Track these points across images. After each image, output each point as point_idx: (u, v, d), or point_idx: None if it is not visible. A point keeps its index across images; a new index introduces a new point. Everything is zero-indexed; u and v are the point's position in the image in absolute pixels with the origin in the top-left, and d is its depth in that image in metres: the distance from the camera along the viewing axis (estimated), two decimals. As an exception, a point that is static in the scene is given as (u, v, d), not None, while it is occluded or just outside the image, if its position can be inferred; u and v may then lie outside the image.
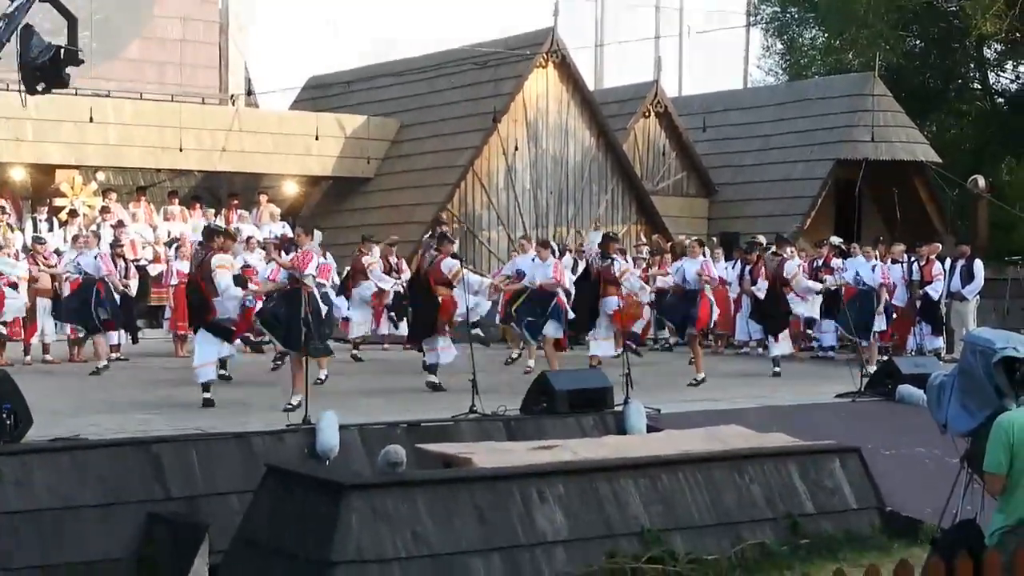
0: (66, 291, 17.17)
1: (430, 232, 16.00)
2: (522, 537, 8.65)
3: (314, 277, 13.35)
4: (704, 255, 17.69)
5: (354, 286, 18.92)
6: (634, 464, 9.60)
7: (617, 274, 15.71)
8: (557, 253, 17.38)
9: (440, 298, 14.58)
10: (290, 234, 19.38)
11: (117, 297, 17.06)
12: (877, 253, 18.53)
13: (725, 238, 24.61)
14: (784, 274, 17.03)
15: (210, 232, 13.77)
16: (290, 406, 11.52)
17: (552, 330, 15.87)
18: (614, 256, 15.88)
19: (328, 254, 16.75)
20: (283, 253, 14.49)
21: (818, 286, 18.08)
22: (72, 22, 10.54)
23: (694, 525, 9.41)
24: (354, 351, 18.73)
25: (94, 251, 16.72)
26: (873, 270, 17.97)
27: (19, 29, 10.19)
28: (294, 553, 8.16)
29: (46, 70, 10.10)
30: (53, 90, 10.50)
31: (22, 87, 9.85)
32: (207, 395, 12.73)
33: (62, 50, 10.15)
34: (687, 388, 15.19)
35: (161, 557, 8.86)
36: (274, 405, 12.23)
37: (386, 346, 20.59)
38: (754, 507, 9.79)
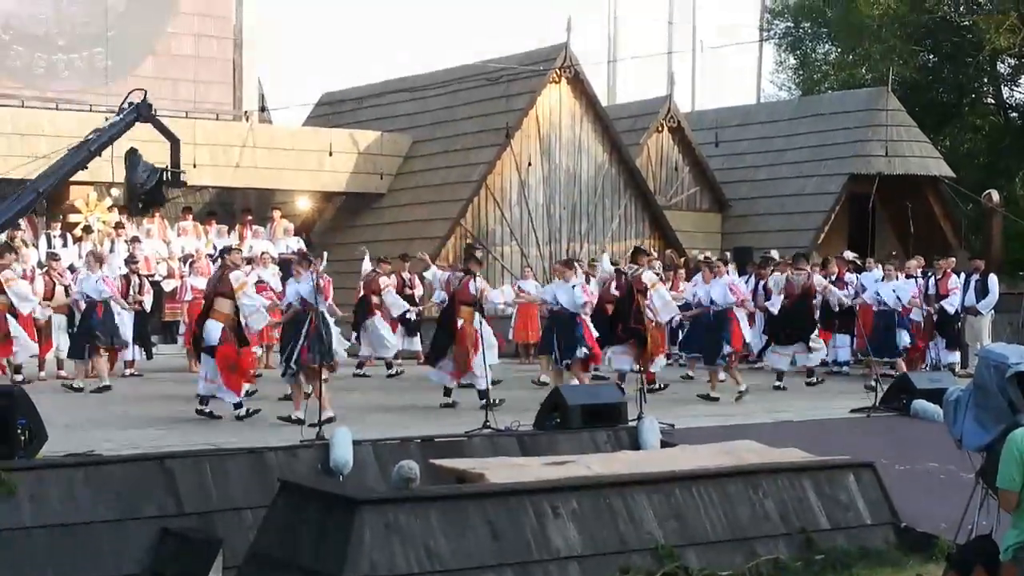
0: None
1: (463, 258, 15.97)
2: (535, 553, 8.63)
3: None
4: (728, 273, 17.57)
5: (370, 314, 18.77)
6: (648, 480, 9.57)
7: (649, 285, 15.62)
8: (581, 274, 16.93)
9: (460, 323, 14.56)
10: (304, 248, 19.43)
11: (123, 315, 17.05)
12: (894, 270, 18.55)
13: (738, 253, 24.58)
14: (816, 287, 17.24)
15: (223, 252, 13.99)
16: (300, 419, 11.71)
17: (582, 355, 15.40)
18: (640, 264, 15.80)
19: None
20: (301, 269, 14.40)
21: (847, 299, 18.21)
22: (175, 143, 10.60)
23: (708, 541, 9.38)
24: (358, 370, 18.73)
25: (96, 275, 16.62)
26: (894, 291, 17.99)
27: (124, 153, 10.19)
28: (308, 568, 8.15)
29: (150, 192, 10.15)
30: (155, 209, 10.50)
31: (128, 207, 9.87)
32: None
33: (167, 172, 10.20)
34: (700, 404, 15.16)
35: (175, 573, 8.85)
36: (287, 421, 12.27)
37: (399, 362, 20.58)
38: (768, 522, 9.75)
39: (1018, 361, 6.91)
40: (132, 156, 10.05)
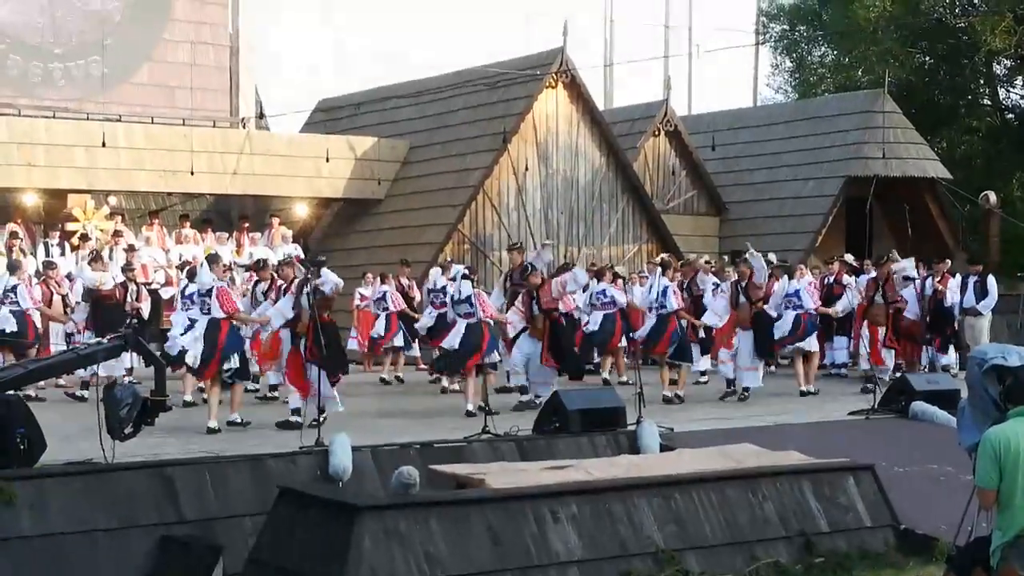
0: (78, 316, 17.30)
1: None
2: (536, 558, 8.63)
3: None
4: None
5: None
6: (648, 483, 9.58)
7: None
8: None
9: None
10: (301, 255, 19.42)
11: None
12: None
13: (735, 257, 24.57)
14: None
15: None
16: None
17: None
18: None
19: None
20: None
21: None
22: (160, 369, 10.70)
23: (708, 544, 9.39)
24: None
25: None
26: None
27: (103, 388, 10.22)
28: (307, 575, 8.15)
29: (135, 419, 10.19)
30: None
31: (105, 445, 9.84)
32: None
33: (148, 401, 10.23)
34: (699, 407, 15.16)
35: (175, 580, 8.86)
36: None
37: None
38: (768, 526, 9.76)
39: (994, 356, 6.93)
40: (109, 392, 10.08)
